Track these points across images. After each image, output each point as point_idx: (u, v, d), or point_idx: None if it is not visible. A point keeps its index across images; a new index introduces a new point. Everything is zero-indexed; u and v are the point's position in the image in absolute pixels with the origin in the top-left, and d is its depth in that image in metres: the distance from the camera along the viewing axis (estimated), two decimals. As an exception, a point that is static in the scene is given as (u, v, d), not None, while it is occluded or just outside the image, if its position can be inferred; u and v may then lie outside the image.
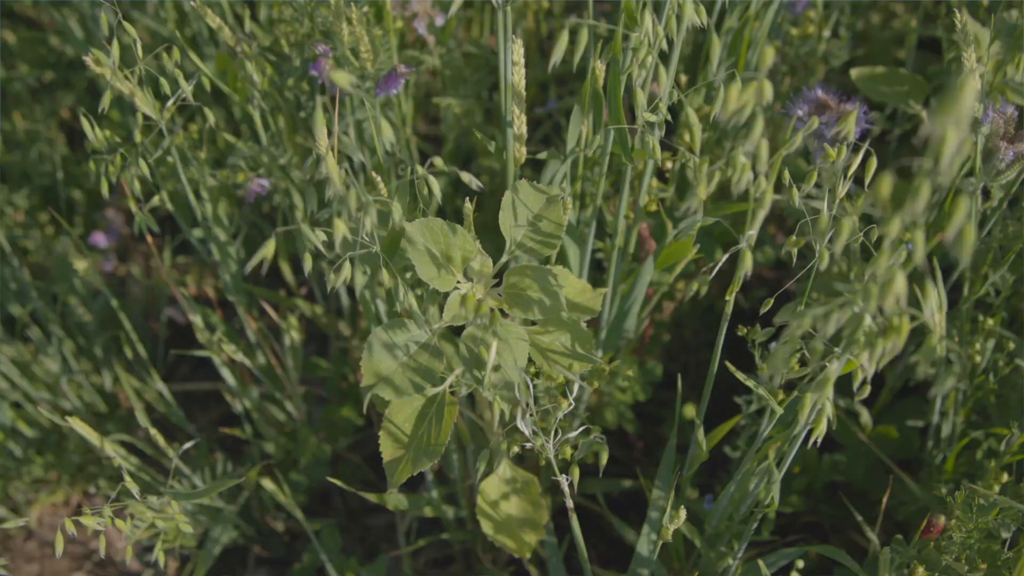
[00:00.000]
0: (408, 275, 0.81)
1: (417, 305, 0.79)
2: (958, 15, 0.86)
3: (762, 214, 0.58)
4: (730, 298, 0.74)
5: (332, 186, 0.59)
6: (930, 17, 1.34)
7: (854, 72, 1.10)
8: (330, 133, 0.72)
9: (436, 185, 0.69)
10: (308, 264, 0.67)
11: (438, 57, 1.19)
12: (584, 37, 0.63)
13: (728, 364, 0.80)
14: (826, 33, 1.19)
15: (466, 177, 0.69)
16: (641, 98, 0.71)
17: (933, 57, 1.38)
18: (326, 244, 0.67)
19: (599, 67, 0.78)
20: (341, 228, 0.61)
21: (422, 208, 0.78)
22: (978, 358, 0.99)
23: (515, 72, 0.77)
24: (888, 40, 1.40)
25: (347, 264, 0.67)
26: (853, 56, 1.32)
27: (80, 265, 1.17)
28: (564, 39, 0.62)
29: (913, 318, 0.53)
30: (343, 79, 0.54)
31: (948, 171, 0.43)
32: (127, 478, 0.83)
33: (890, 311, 0.52)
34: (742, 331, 0.81)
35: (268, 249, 0.65)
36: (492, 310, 0.68)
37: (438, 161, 0.70)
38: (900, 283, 0.49)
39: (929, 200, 0.45)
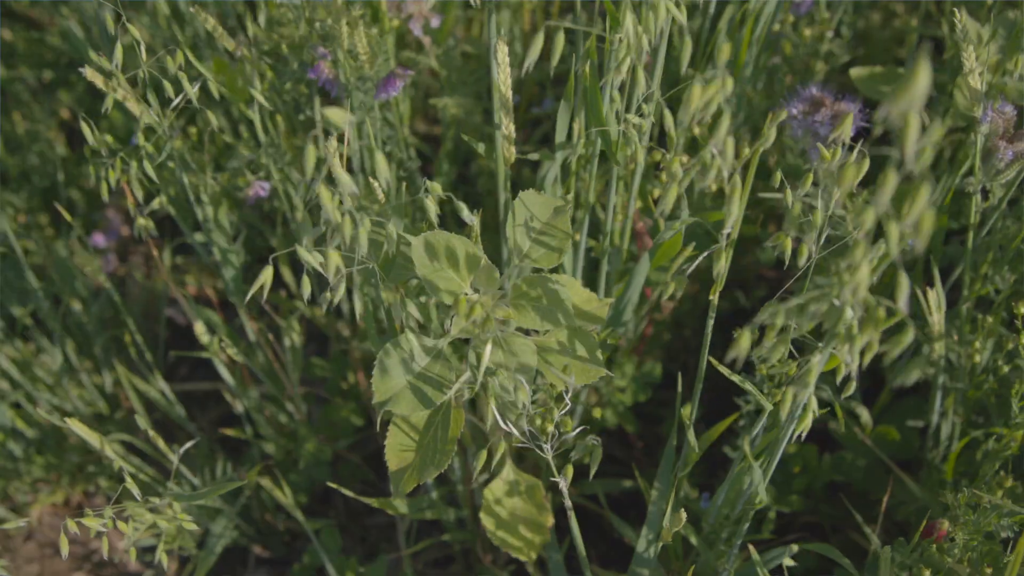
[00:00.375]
0: (413, 283, 0.81)
1: (423, 318, 0.79)
2: (958, 14, 0.86)
3: (735, 213, 0.58)
4: (714, 298, 0.74)
5: (325, 213, 0.59)
6: (930, 17, 1.34)
7: (853, 72, 1.09)
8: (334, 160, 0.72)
9: (433, 212, 0.69)
10: (307, 289, 0.66)
11: (435, 58, 1.19)
12: (560, 41, 0.63)
13: (711, 359, 0.80)
14: (828, 33, 1.19)
15: (462, 211, 0.70)
16: (619, 102, 0.71)
17: (933, 57, 1.38)
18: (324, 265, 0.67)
19: (586, 69, 0.78)
20: (335, 259, 0.60)
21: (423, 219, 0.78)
22: (978, 357, 0.99)
23: (500, 72, 0.77)
24: (888, 40, 1.40)
25: (344, 282, 0.67)
26: (853, 56, 1.32)
27: (91, 266, 1.17)
28: (539, 41, 0.62)
29: (895, 313, 0.53)
30: (338, 116, 0.55)
31: (912, 159, 0.42)
32: (128, 479, 0.83)
33: (867, 303, 0.52)
34: (738, 333, 0.81)
35: (266, 275, 0.65)
36: (488, 315, 0.68)
37: (435, 187, 0.70)
38: (864, 272, 0.49)
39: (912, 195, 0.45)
